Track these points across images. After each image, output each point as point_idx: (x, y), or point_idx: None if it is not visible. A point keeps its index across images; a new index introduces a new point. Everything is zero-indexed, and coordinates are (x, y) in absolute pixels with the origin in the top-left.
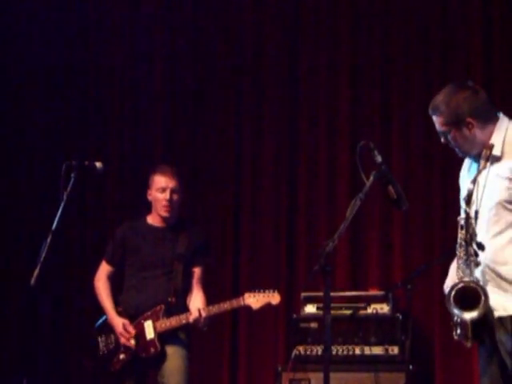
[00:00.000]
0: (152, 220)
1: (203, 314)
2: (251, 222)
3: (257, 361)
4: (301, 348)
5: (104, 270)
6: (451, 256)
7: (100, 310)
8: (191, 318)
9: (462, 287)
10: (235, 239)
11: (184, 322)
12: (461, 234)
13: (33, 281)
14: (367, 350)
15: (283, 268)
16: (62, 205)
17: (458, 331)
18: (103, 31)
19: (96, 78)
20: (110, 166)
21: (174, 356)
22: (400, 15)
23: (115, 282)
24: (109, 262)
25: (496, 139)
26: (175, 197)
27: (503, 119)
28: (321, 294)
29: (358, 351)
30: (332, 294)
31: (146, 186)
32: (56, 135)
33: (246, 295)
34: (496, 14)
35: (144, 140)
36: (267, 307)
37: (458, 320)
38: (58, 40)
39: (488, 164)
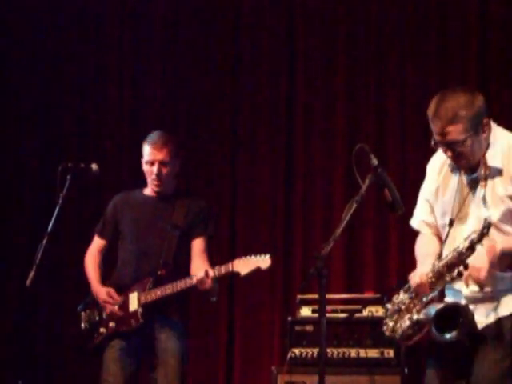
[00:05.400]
0: (148, 191)
1: (211, 274)
2: (247, 224)
3: (252, 363)
4: (296, 350)
5: (95, 244)
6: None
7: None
8: (195, 279)
9: (444, 307)
10: (231, 241)
11: (169, 291)
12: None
13: (29, 282)
14: (362, 353)
15: (279, 270)
16: (58, 207)
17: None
18: (101, 31)
19: (94, 78)
20: (106, 168)
21: (169, 340)
22: (397, 18)
23: (110, 257)
24: (99, 235)
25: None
26: (165, 170)
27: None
28: (316, 296)
29: (353, 354)
30: (327, 296)
31: (143, 186)
32: (52, 137)
33: (236, 261)
34: (492, 16)
35: (142, 141)
36: (257, 272)
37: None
38: (56, 40)
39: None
